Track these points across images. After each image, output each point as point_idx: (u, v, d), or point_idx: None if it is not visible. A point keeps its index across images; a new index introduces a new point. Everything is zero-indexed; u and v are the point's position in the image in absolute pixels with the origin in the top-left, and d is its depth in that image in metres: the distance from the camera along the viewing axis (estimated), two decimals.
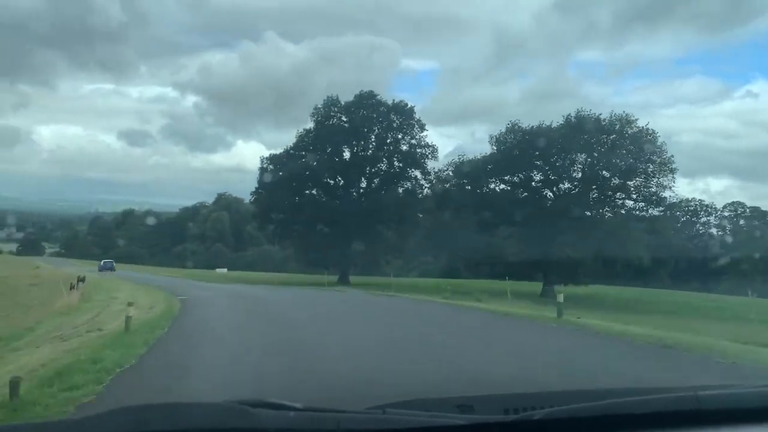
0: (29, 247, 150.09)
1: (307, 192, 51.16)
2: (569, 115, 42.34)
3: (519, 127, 42.68)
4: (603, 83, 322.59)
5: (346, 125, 50.06)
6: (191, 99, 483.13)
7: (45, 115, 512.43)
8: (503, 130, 43.17)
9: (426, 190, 51.56)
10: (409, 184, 52.14)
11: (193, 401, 1.91)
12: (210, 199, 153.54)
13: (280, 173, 48.82)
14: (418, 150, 51.57)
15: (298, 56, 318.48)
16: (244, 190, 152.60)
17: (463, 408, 2.03)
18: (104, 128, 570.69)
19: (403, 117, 51.51)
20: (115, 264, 65.27)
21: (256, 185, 50.20)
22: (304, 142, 49.88)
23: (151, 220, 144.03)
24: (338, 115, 50.71)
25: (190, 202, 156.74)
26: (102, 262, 64.81)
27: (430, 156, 51.89)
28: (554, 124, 42.53)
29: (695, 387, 2.14)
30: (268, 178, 49.01)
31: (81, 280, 22.23)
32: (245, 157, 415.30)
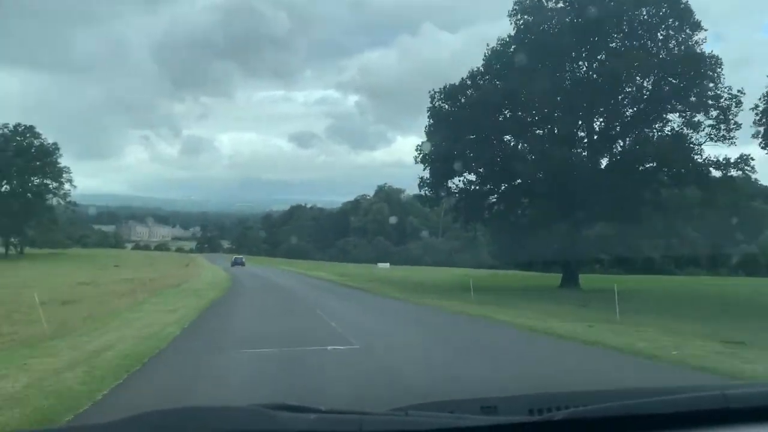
0: (207, 244, 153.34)
1: (507, 140, 31.54)
2: None
3: None
4: None
5: (570, 24, 29.39)
6: (353, 98, 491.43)
7: (224, 123, 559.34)
8: None
9: (706, 128, 29.10)
10: (681, 120, 29.95)
11: (216, 405, 1.81)
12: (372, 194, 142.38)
13: (461, 112, 30.03)
14: (695, 65, 29.05)
15: (456, 44, 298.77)
16: (405, 183, 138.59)
17: (486, 409, 1.95)
18: (276, 133, 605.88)
19: (667, 7, 29.53)
20: (245, 259, 71.33)
21: (425, 136, 31.80)
22: (500, 59, 30.28)
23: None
24: (556, 11, 30.22)
25: (353, 198, 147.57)
26: (234, 258, 69.45)
27: (711, 73, 29.19)
28: None
29: (722, 386, 2.02)
30: (440, 121, 30.55)
31: None
32: (405, 152, 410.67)
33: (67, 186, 79.21)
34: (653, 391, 2.03)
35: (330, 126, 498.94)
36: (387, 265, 63.79)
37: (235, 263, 63.75)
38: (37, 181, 74.56)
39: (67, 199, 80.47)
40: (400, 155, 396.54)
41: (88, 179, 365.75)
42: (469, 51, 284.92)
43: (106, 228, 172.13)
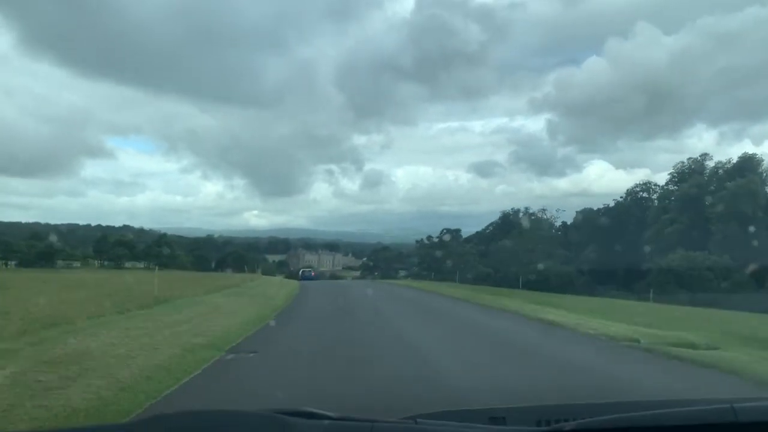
0: (378, 270, 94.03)
1: None
2: None
3: None
4: None
5: None
6: (543, 117, 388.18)
7: (402, 155, 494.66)
8: None
9: None
10: None
11: (230, 409, 1.66)
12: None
13: None
14: None
15: (674, 47, 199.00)
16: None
17: (495, 419, 1.81)
18: (454, 163, 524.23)
19: None
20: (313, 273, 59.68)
21: None
22: None
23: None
24: None
25: None
26: (301, 272, 60.63)
27: None
28: None
29: (730, 399, 1.82)
30: None
31: None
32: (592, 181, 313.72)
33: None
34: (662, 403, 1.86)
35: (513, 153, 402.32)
36: None
37: (303, 278, 49.75)
38: None
39: None
40: (586, 184, 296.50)
41: (277, 216, 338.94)
42: (693, 51, 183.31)
43: (275, 257, 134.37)
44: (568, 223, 77.50)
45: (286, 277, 63.21)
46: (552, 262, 62.71)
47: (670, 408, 1.67)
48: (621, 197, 69.56)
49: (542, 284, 48.06)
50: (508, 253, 66.48)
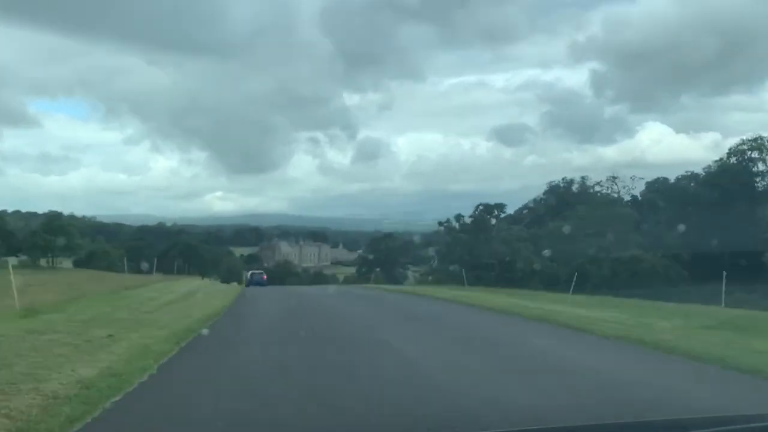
0: (380, 267, 73.79)
1: None
2: None
3: None
4: None
5: None
6: (586, 67, 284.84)
7: (405, 120, 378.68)
8: None
9: None
10: None
11: None
12: None
13: None
14: None
15: None
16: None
17: None
18: (469, 129, 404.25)
19: None
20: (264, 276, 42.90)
21: None
22: None
23: None
24: None
25: None
26: (249, 274, 44.24)
27: None
28: None
29: None
30: None
31: None
32: (645, 148, 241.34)
33: None
34: (702, 422, 1.59)
35: (547, 113, 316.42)
36: None
37: (252, 282, 38.64)
38: None
39: None
40: (638, 153, 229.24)
41: (247, 198, 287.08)
42: None
43: (243, 250, 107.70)
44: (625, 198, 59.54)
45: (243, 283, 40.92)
46: (636, 249, 44.90)
47: (708, 428, 1.42)
48: (721, 159, 51.34)
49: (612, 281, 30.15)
50: (567, 239, 47.83)
